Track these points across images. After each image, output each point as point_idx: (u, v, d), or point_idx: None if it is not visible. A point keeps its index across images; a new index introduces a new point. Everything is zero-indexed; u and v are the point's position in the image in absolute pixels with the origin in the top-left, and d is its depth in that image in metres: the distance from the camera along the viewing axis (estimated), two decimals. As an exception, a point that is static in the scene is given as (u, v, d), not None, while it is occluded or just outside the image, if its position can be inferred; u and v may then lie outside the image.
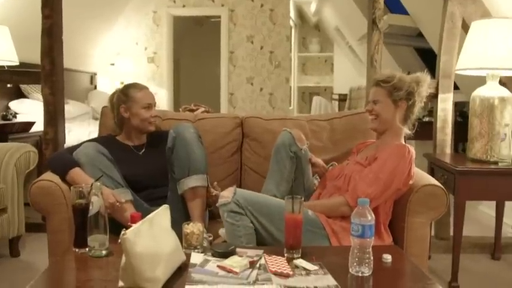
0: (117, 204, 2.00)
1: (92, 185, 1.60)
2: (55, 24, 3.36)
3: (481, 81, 2.83)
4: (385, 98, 2.05)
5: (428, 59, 5.32)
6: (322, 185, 2.22)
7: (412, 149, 1.99)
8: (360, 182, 1.94)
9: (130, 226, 1.42)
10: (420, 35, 5.06)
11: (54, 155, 2.59)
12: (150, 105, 2.39)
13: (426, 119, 4.82)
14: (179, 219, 1.73)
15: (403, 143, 2.10)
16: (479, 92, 2.74)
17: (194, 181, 2.13)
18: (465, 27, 3.12)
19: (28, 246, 3.22)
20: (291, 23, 7.81)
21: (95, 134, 4.01)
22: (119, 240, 1.27)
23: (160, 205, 1.84)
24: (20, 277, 2.75)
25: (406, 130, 2.11)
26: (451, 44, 3.15)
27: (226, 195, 1.86)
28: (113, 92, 2.51)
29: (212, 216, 2.29)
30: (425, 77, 2.08)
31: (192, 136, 2.19)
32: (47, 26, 3.35)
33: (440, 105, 3.21)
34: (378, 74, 2.17)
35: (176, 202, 2.15)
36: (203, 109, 3.49)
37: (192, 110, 3.43)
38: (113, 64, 6.98)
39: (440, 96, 3.20)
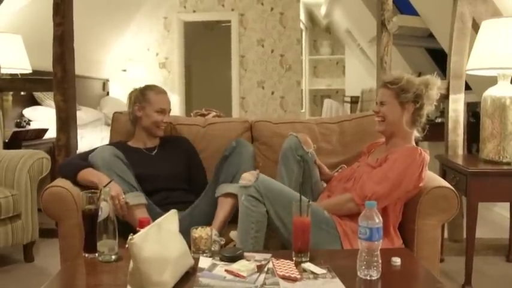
0: (121, 200, 2.01)
1: (101, 190, 1.61)
2: (66, 31, 3.40)
3: (493, 80, 2.80)
4: (392, 99, 2.03)
5: (440, 59, 5.29)
6: (330, 186, 2.22)
7: (425, 153, 1.97)
8: (367, 181, 1.93)
9: (139, 231, 1.43)
10: (431, 35, 5.03)
11: (63, 161, 2.63)
12: (164, 110, 2.42)
13: (438, 120, 4.79)
14: (206, 223, 1.76)
15: (415, 145, 2.08)
16: (491, 92, 2.72)
17: (232, 188, 2.15)
18: (475, 27, 3.09)
19: (42, 252, 3.25)
20: (302, 26, 7.80)
21: (106, 140, 4.05)
22: (126, 245, 1.28)
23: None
24: (34, 282, 2.77)
25: (416, 133, 2.09)
26: (462, 44, 3.13)
27: (249, 178, 1.89)
28: (133, 90, 2.53)
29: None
30: (435, 80, 2.04)
31: (249, 153, 2.26)
32: (59, 33, 3.39)
33: (451, 106, 3.19)
34: (386, 75, 2.14)
35: (207, 207, 2.20)
36: (214, 113, 3.51)
37: (203, 115, 3.45)
38: (124, 70, 7.04)
39: (451, 96, 3.17)
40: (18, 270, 2.96)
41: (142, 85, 2.55)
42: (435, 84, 2.04)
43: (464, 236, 2.89)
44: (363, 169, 2.08)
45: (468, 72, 2.92)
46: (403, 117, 2.03)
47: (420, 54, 5.79)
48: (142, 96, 2.44)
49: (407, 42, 5.43)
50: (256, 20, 6.94)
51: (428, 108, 2.04)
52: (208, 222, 2.01)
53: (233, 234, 1.98)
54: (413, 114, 2.03)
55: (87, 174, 2.12)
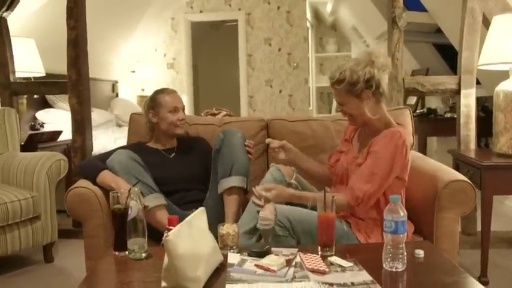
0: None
1: (130, 190, 1.66)
2: (80, 35, 3.46)
3: (502, 75, 2.83)
4: (347, 97, 1.95)
5: (448, 54, 5.32)
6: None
7: (403, 131, 1.92)
8: (356, 181, 1.88)
9: (169, 229, 1.48)
10: (438, 31, 5.05)
11: (83, 162, 2.68)
12: (177, 109, 2.44)
13: (448, 114, 4.81)
14: (217, 221, 1.78)
15: (391, 123, 2.00)
16: (503, 87, 2.74)
17: (234, 181, 2.20)
18: (485, 23, 3.12)
19: (61, 252, 3.30)
20: (308, 24, 7.83)
21: (120, 141, 4.11)
22: (162, 243, 1.32)
23: (191, 209, 1.90)
24: (54, 282, 2.82)
25: (384, 107, 2.00)
26: (472, 40, 3.16)
27: (268, 217, 1.74)
28: (146, 99, 2.57)
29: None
30: (376, 52, 1.93)
31: (238, 141, 2.28)
32: (73, 37, 3.45)
33: (463, 101, 3.21)
34: (330, 73, 1.99)
35: (215, 204, 2.23)
36: (225, 113, 3.53)
37: (213, 114, 3.48)
38: (133, 71, 7.08)
39: (462, 92, 3.20)
40: (38, 271, 3.01)
41: (151, 93, 2.57)
42: (378, 55, 1.92)
43: (478, 229, 2.93)
44: (352, 168, 2.00)
45: (480, 67, 2.94)
46: (366, 106, 1.93)
47: (428, 50, 5.80)
48: (153, 102, 2.47)
49: (415, 38, 5.45)
50: (263, 19, 6.98)
51: (385, 76, 1.93)
52: (217, 219, 2.02)
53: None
54: (375, 96, 1.93)
55: (106, 178, 2.16)
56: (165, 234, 1.32)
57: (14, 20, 3.84)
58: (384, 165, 1.86)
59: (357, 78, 1.88)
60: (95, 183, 2.19)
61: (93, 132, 3.80)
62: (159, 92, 2.49)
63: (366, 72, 1.88)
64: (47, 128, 4.57)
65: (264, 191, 1.85)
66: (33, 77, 4.12)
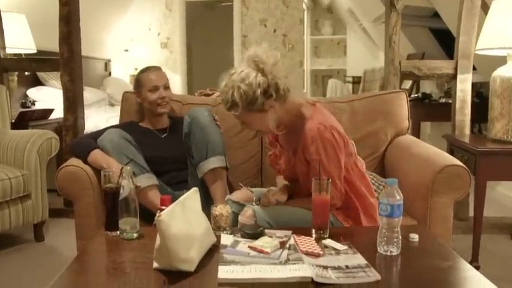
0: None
1: (122, 169, 1.63)
2: (72, 11, 3.39)
3: (499, 61, 2.81)
4: (250, 116, 1.75)
5: (444, 39, 5.28)
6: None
7: (321, 116, 1.78)
8: None
9: (161, 209, 1.45)
10: (435, 15, 5.01)
11: (75, 140, 2.64)
12: (157, 87, 2.37)
13: (442, 100, 4.80)
14: (201, 203, 1.75)
15: (302, 112, 1.83)
16: (500, 72, 2.72)
17: (213, 163, 2.16)
18: (484, 7, 3.09)
19: (51, 231, 3.28)
20: (304, 5, 7.75)
21: (112, 120, 4.06)
22: (154, 223, 1.30)
23: (183, 189, 1.87)
24: (45, 261, 2.80)
25: (290, 100, 1.79)
26: (470, 24, 3.13)
27: (247, 221, 1.72)
28: None
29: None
30: (259, 54, 1.70)
31: (207, 119, 2.22)
32: (65, 13, 3.38)
33: (459, 86, 3.19)
34: (221, 98, 1.77)
35: (197, 186, 2.18)
36: (218, 93, 3.50)
37: (207, 95, 3.44)
38: (126, 50, 7.01)
39: (459, 76, 3.18)
40: (29, 250, 3.00)
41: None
42: (263, 59, 1.70)
43: (470, 214, 2.94)
44: (295, 171, 1.89)
45: (477, 52, 2.92)
46: (273, 115, 1.75)
47: (424, 34, 5.77)
48: (136, 81, 2.43)
49: (412, 22, 5.40)
50: (259, 0, 6.90)
51: (280, 74, 1.71)
52: (202, 202, 1.93)
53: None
54: (278, 100, 1.74)
55: (97, 158, 2.14)
56: (157, 214, 1.30)
57: (5, -6, 3.77)
58: (332, 165, 1.73)
59: (252, 95, 1.67)
60: (86, 162, 2.16)
61: (86, 111, 3.76)
62: (142, 71, 2.45)
63: (259, 84, 1.67)
64: (39, 106, 4.52)
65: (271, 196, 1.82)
66: (24, 54, 4.05)
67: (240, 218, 1.78)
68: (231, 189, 2.25)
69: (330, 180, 1.65)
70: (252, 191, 2.06)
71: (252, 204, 1.90)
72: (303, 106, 1.86)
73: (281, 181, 2.07)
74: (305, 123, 1.77)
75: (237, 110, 1.72)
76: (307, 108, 1.85)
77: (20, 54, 4.02)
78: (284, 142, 1.98)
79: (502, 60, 2.78)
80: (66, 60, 3.42)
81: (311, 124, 1.75)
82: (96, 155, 2.14)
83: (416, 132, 4.94)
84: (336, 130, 1.75)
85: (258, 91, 1.67)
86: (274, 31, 6.89)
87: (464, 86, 3.19)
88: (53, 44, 3.47)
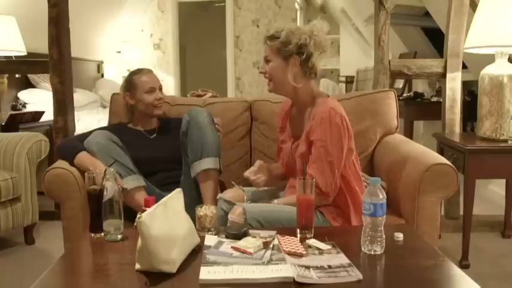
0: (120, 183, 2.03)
1: (105, 170, 1.62)
2: (61, 13, 3.37)
3: (489, 59, 2.81)
4: (275, 56, 1.88)
5: (436, 38, 5.29)
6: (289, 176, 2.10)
7: (335, 103, 1.86)
8: (316, 177, 1.76)
9: (145, 210, 1.44)
10: (427, 14, 5.02)
11: (62, 142, 2.63)
12: (153, 89, 2.39)
13: (434, 98, 4.80)
14: (192, 203, 1.74)
15: (318, 95, 1.95)
16: (489, 70, 2.73)
17: (206, 163, 2.15)
18: (472, 5, 3.09)
19: (42, 234, 3.27)
20: (296, 5, 7.75)
21: (104, 122, 4.05)
22: (135, 224, 1.29)
23: (172, 190, 1.86)
24: (35, 264, 2.80)
25: (312, 83, 1.95)
26: (459, 23, 3.13)
27: (237, 219, 1.73)
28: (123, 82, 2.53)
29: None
30: (320, 25, 1.88)
31: (205, 120, 2.20)
32: (53, 15, 3.36)
33: (448, 85, 3.20)
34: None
35: (189, 186, 2.18)
36: (211, 94, 3.49)
37: (199, 96, 3.44)
38: (119, 52, 6.99)
39: (448, 75, 3.18)
40: (19, 253, 2.98)
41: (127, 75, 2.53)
42: (321, 29, 1.88)
43: (461, 213, 2.94)
44: (296, 156, 1.94)
45: (466, 51, 2.92)
46: (290, 72, 1.87)
47: (416, 33, 5.77)
48: (129, 83, 2.42)
49: (403, 21, 5.42)
50: (251, 0, 6.89)
51: (319, 56, 1.89)
52: (193, 202, 1.92)
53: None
54: (302, 67, 1.88)
55: (83, 160, 2.13)
56: (138, 215, 1.29)
57: (-6, -4, 3.75)
58: (335, 150, 1.80)
59: (290, 40, 1.84)
60: (72, 164, 2.15)
61: (77, 113, 3.75)
62: (134, 73, 2.45)
63: (301, 38, 1.83)
64: (30, 108, 4.51)
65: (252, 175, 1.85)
66: (15, 56, 4.03)
67: (230, 216, 1.78)
68: (223, 189, 2.25)
69: (329, 166, 1.76)
70: (243, 190, 2.07)
71: (244, 203, 1.92)
72: (320, 95, 1.97)
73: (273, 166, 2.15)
74: (317, 107, 1.88)
75: (272, 41, 1.87)
76: (322, 96, 1.97)
77: (10, 57, 4.00)
78: (292, 128, 2.06)
79: (492, 59, 2.78)
80: (56, 62, 3.40)
81: (323, 107, 1.84)
82: (82, 157, 2.13)
83: (409, 131, 4.94)
84: (345, 119, 1.84)
85: (296, 41, 1.83)
86: (267, 31, 6.87)
87: (453, 85, 3.19)
88: (43, 46, 3.46)
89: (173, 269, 1.31)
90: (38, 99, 4.68)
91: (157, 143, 2.41)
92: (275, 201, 1.91)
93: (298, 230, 1.59)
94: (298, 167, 1.92)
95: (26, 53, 3.99)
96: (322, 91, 2.03)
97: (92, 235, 1.66)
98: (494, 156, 2.63)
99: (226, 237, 1.55)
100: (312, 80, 1.93)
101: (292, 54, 1.85)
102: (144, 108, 2.40)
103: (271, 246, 1.47)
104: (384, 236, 1.45)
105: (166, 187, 2.23)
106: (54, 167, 2.13)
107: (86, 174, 1.72)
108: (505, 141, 2.65)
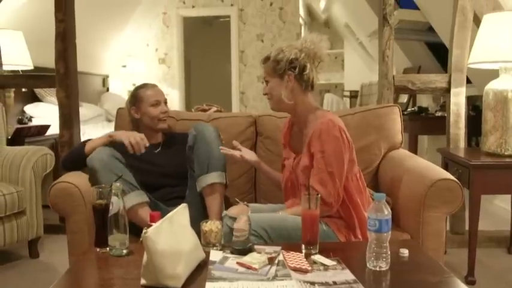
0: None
1: (111, 185, 1.63)
2: (68, 28, 3.41)
3: (493, 74, 2.82)
4: (271, 76, 1.94)
5: (439, 53, 5.31)
6: (289, 194, 2.10)
7: (333, 116, 1.88)
8: (318, 188, 1.80)
9: (150, 225, 1.45)
10: (430, 29, 5.04)
11: (64, 155, 2.67)
12: (158, 102, 2.42)
13: (438, 113, 4.81)
14: (198, 218, 1.75)
15: (317, 109, 1.97)
16: (493, 86, 2.73)
17: (212, 178, 2.16)
18: (476, 21, 3.11)
19: (47, 248, 3.27)
20: (301, 20, 7.81)
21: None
22: (141, 239, 1.30)
23: (176, 205, 1.86)
24: (39, 278, 2.79)
25: (310, 97, 1.98)
26: (463, 38, 3.14)
27: (242, 227, 1.68)
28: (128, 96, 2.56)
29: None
30: (311, 36, 1.91)
31: (212, 135, 2.22)
32: (61, 30, 3.40)
33: (453, 100, 3.20)
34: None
35: (195, 200, 2.18)
36: (216, 109, 3.51)
37: (204, 110, 3.46)
38: (124, 66, 7.04)
39: (452, 90, 3.19)
40: (23, 266, 2.98)
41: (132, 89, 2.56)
42: (312, 40, 1.90)
43: (466, 228, 2.92)
44: (299, 171, 1.95)
45: (470, 66, 2.93)
46: (286, 89, 1.92)
47: (420, 48, 5.80)
48: (134, 97, 2.45)
49: (407, 36, 5.45)
50: (256, 15, 6.95)
51: (316, 67, 1.93)
52: (199, 217, 1.94)
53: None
54: (298, 81, 1.92)
55: (94, 142, 2.24)
56: (144, 230, 1.29)
57: (2, 12, 3.80)
58: (335, 161, 1.82)
59: (281, 58, 1.89)
60: (84, 161, 2.17)
61: (83, 127, 3.77)
62: (139, 88, 2.48)
63: (291, 53, 1.88)
64: (36, 122, 4.53)
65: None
66: (21, 70, 4.07)
67: (235, 225, 1.77)
68: (228, 204, 2.25)
69: (329, 176, 1.77)
70: (248, 206, 2.06)
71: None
72: (319, 109, 1.99)
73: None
74: (316, 119, 1.89)
75: (265, 62, 1.95)
76: (322, 110, 2.00)
77: (17, 71, 4.04)
78: (293, 144, 2.09)
79: (496, 74, 2.79)
80: (62, 76, 3.43)
81: (322, 119, 1.86)
82: (90, 144, 2.25)
83: (413, 145, 4.94)
84: (344, 131, 1.86)
85: (287, 57, 1.88)
86: (272, 46, 6.92)
87: (458, 100, 3.20)
88: (50, 61, 3.49)
89: (178, 284, 1.31)
90: (44, 113, 4.71)
91: (161, 158, 2.41)
92: (280, 212, 1.93)
93: (303, 246, 1.59)
94: (301, 182, 1.92)
95: (32, 67, 4.03)
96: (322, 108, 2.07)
97: (97, 249, 1.66)
98: (499, 172, 2.62)
99: (232, 252, 1.55)
100: (310, 93, 1.97)
101: (285, 70, 1.90)
102: (149, 122, 2.42)
103: (276, 262, 1.47)
104: (389, 252, 1.45)
105: (171, 202, 2.24)
106: (59, 181, 2.14)
107: (92, 188, 1.73)
108: (510, 156, 2.65)
